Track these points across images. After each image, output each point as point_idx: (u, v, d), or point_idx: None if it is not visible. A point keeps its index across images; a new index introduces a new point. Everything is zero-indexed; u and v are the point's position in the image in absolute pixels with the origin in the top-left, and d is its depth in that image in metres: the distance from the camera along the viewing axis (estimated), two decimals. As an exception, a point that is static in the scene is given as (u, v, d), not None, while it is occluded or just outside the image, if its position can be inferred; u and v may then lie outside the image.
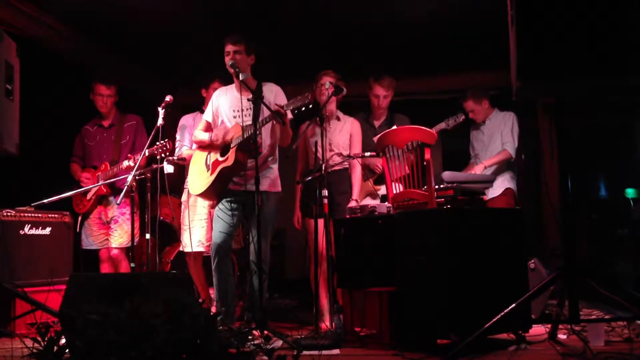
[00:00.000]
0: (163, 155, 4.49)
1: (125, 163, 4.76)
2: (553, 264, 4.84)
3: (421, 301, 3.36)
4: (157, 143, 4.49)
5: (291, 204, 4.90)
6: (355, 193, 4.69)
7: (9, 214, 4.36)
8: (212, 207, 4.56)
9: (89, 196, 5.01)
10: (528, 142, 5.99)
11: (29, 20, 4.97)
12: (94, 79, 5.15)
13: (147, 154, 4.54)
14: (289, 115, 4.06)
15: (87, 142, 5.18)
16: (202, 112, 4.89)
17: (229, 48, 4.22)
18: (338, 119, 4.84)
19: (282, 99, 4.25)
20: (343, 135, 4.80)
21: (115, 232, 4.99)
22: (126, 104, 5.35)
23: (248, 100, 4.08)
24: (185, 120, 5.20)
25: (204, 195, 4.36)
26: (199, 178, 4.34)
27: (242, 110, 4.19)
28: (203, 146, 4.40)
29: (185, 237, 4.91)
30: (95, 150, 5.14)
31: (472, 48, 5.82)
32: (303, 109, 3.86)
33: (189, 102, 5.53)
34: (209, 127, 4.42)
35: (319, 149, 4.24)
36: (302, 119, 4.35)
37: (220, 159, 4.20)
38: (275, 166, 4.38)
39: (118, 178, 4.81)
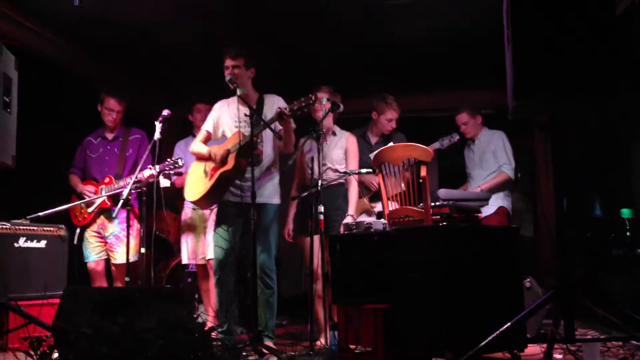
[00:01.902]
0: (172, 172, 4.51)
1: (147, 172, 4.64)
2: (549, 283, 4.84)
3: (416, 318, 3.35)
4: (169, 159, 4.52)
5: (284, 218, 4.90)
6: (351, 208, 4.68)
7: (3, 226, 4.34)
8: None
9: (91, 209, 4.93)
10: (524, 161, 6.02)
11: (29, 34, 5.00)
12: (105, 91, 5.06)
13: (157, 169, 4.54)
14: (293, 125, 4.16)
15: (89, 154, 5.08)
16: (194, 136, 4.92)
17: (228, 62, 4.25)
18: (334, 133, 4.85)
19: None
20: (337, 150, 4.81)
21: (119, 248, 4.89)
22: (129, 117, 5.34)
23: (246, 115, 4.10)
24: (179, 147, 5.30)
25: (201, 201, 4.34)
26: (196, 185, 4.34)
27: (246, 120, 4.22)
28: (201, 158, 4.40)
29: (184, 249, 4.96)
30: (97, 163, 5.05)
31: (468, 67, 5.87)
32: (305, 109, 3.98)
33: (186, 116, 5.55)
34: (208, 138, 4.43)
35: (315, 165, 4.25)
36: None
37: (220, 165, 4.21)
38: (276, 177, 4.39)
39: (118, 190, 4.77)
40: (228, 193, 4.31)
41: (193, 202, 4.45)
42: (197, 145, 4.43)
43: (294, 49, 5.63)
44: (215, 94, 4.56)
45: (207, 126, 4.45)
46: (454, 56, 5.72)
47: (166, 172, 4.56)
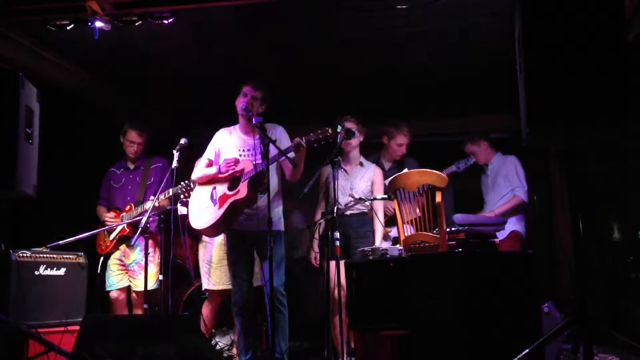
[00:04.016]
0: (187, 195, 4.54)
1: (148, 204, 4.77)
2: (567, 308, 4.79)
3: (432, 345, 3.35)
4: (181, 183, 4.54)
5: (307, 244, 4.92)
6: (378, 240, 4.72)
7: (24, 254, 4.40)
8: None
9: (112, 236, 5.01)
10: (539, 186, 6.00)
11: (51, 66, 5.12)
12: (128, 123, 5.17)
13: (171, 193, 4.60)
14: (302, 151, 4.11)
15: (113, 184, 5.21)
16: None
17: (249, 91, 4.28)
18: (361, 164, 4.90)
19: (285, 139, 4.30)
20: (365, 181, 4.87)
21: (140, 276, 4.91)
22: (151, 146, 5.42)
23: (262, 144, 4.09)
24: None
25: (209, 229, 4.31)
26: (203, 213, 4.30)
27: (250, 149, 4.25)
28: (206, 182, 4.38)
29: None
30: (120, 193, 5.16)
31: (482, 91, 5.89)
32: (323, 142, 3.95)
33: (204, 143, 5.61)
34: (210, 165, 4.43)
35: (331, 192, 4.28)
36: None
37: (229, 192, 4.19)
38: (281, 205, 4.39)
39: (137, 218, 4.83)
40: (235, 221, 4.29)
41: (200, 230, 4.42)
42: (201, 169, 4.42)
43: (312, 77, 5.70)
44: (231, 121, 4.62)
45: (209, 154, 4.45)
46: (467, 81, 5.75)
47: (179, 194, 4.58)
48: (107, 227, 4.95)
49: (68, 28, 4.29)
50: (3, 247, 4.29)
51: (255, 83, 4.30)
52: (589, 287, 3.01)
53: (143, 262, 4.86)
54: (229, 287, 4.59)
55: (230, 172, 4.19)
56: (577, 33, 2.81)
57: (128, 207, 5.05)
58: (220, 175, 4.24)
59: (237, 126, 4.44)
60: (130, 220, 4.90)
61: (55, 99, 4.88)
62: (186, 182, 4.57)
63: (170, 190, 4.62)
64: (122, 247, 5.06)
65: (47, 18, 4.25)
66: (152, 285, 4.74)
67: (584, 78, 2.78)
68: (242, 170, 4.18)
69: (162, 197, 4.70)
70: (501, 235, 4.98)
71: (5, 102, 3.60)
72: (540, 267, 5.57)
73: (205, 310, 5.08)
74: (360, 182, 4.85)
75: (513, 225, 5.14)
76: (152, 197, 4.82)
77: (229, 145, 4.40)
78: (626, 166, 5.42)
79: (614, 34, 2.79)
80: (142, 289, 4.81)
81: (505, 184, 5.22)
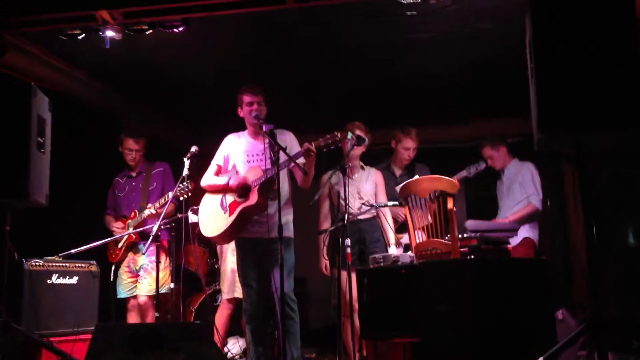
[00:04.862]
0: (185, 196, 4.54)
1: (147, 212, 4.85)
2: (583, 314, 4.74)
3: (445, 352, 3.32)
4: (179, 185, 4.51)
5: (315, 252, 4.90)
6: (391, 238, 4.76)
7: (37, 263, 4.42)
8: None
9: (120, 244, 5.06)
10: (553, 191, 5.95)
11: (62, 75, 5.16)
12: (123, 132, 5.26)
13: (170, 196, 4.60)
14: (313, 157, 4.07)
15: (118, 193, 5.28)
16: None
17: (252, 99, 4.25)
18: (362, 167, 4.93)
19: (295, 145, 4.29)
20: (370, 184, 4.91)
21: (144, 280, 4.97)
22: (153, 152, 5.45)
23: (272, 151, 4.07)
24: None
25: (220, 237, 4.28)
26: (214, 220, 4.26)
27: (259, 154, 4.23)
28: (215, 190, 4.35)
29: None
30: (125, 201, 5.22)
31: (493, 96, 5.86)
32: (332, 147, 3.96)
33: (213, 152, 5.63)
34: (219, 171, 4.41)
35: (342, 199, 4.27)
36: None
37: (240, 199, 4.17)
38: (291, 212, 4.34)
39: (147, 227, 4.84)
40: (245, 229, 4.25)
41: (211, 238, 4.37)
42: (210, 178, 4.38)
43: (319, 84, 5.71)
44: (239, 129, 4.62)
45: (218, 160, 4.43)
46: (479, 85, 5.73)
47: (178, 196, 4.56)
48: (114, 237, 5.00)
49: (79, 38, 4.31)
50: (16, 257, 4.31)
51: (254, 89, 4.27)
52: (603, 292, 2.96)
53: (149, 267, 4.95)
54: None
55: (239, 184, 4.17)
56: (588, 37, 2.79)
57: (132, 214, 5.10)
58: (228, 188, 4.24)
59: (245, 132, 4.44)
60: (135, 230, 4.94)
61: (67, 108, 4.92)
62: (184, 183, 4.51)
63: (170, 193, 4.62)
64: (130, 253, 5.10)
65: (58, 28, 4.27)
66: (154, 291, 4.75)
67: (596, 82, 2.76)
68: (252, 178, 4.16)
69: (162, 201, 4.74)
70: (514, 241, 4.95)
71: (18, 112, 3.64)
72: (554, 273, 5.51)
73: (219, 317, 5.07)
74: (366, 185, 4.89)
75: (526, 231, 5.10)
76: (149, 205, 4.87)
77: (237, 150, 4.38)
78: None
79: (626, 38, 2.77)
80: (144, 293, 4.93)
81: (521, 190, 5.17)
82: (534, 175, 5.16)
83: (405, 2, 3.92)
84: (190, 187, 4.52)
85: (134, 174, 5.28)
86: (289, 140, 4.29)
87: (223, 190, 4.28)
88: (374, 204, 4.68)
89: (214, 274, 5.81)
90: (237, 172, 4.29)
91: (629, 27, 2.76)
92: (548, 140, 2.89)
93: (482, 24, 4.58)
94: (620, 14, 2.77)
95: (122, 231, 5.04)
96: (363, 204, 4.79)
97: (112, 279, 5.03)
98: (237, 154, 4.37)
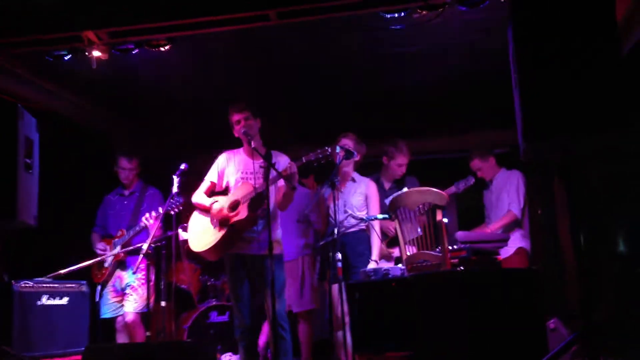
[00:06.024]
0: (176, 210, 4.54)
1: (142, 224, 4.85)
2: (575, 323, 4.73)
3: (438, 366, 3.31)
4: (169, 200, 4.52)
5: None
6: (374, 254, 4.67)
7: (26, 285, 4.39)
8: None
9: (106, 264, 5.02)
10: (543, 198, 5.95)
11: (49, 96, 5.16)
12: (117, 152, 5.28)
13: (161, 212, 4.61)
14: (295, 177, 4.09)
15: (108, 211, 5.28)
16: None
17: (238, 117, 4.28)
18: (353, 180, 4.89)
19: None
20: (357, 196, 4.84)
21: (131, 297, 4.97)
22: (143, 171, 5.45)
23: (261, 167, 4.10)
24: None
25: (209, 252, 4.23)
26: (204, 235, 4.25)
27: (252, 172, 4.25)
28: (202, 210, 4.35)
29: None
30: (114, 219, 5.21)
31: (480, 107, 5.89)
32: (322, 162, 3.96)
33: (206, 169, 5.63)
34: (212, 188, 4.41)
35: (331, 213, 4.27)
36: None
37: (230, 213, 4.15)
38: (280, 229, 4.36)
39: (134, 247, 4.84)
40: (235, 245, 4.23)
41: (200, 253, 4.33)
42: (200, 196, 4.38)
43: (312, 98, 5.72)
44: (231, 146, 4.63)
45: (212, 177, 4.43)
46: (466, 97, 5.76)
47: (169, 211, 4.57)
48: (97, 259, 4.95)
49: (66, 58, 4.32)
50: (6, 278, 4.28)
51: (238, 107, 4.30)
52: (597, 294, 2.96)
53: (135, 284, 4.96)
54: None
55: (223, 214, 4.16)
56: (569, 46, 2.79)
57: (120, 232, 5.09)
58: (211, 212, 4.22)
59: (240, 149, 4.45)
60: (121, 250, 4.91)
61: (54, 128, 4.92)
62: (174, 198, 4.52)
63: (160, 208, 4.63)
64: (118, 271, 5.07)
65: (44, 49, 4.28)
66: (141, 308, 4.82)
67: (579, 90, 2.76)
68: (242, 194, 4.16)
69: (153, 215, 4.76)
70: (507, 251, 4.96)
71: (4, 134, 3.63)
72: (546, 282, 5.50)
73: None
74: (352, 198, 4.82)
75: (519, 241, 5.10)
76: (144, 218, 4.86)
77: (231, 168, 4.40)
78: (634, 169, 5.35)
79: (607, 45, 2.77)
80: (129, 310, 4.93)
81: (508, 199, 5.19)
82: (519, 183, 5.17)
83: (389, 16, 3.94)
84: (181, 201, 4.53)
85: (126, 193, 5.29)
86: (282, 162, 4.29)
87: (208, 211, 4.28)
88: (363, 217, 4.66)
89: (206, 291, 5.79)
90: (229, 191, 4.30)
91: (610, 34, 2.78)
92: (533, 150, 2.90)
93: (467, 37, 4.61)
94: (601, 20, 2.78)
95: (105, 253, 5.02)
96: (348, 216, 4.76)
97: (97, 299, 4.99)
98: (231, 171, 4.39)
